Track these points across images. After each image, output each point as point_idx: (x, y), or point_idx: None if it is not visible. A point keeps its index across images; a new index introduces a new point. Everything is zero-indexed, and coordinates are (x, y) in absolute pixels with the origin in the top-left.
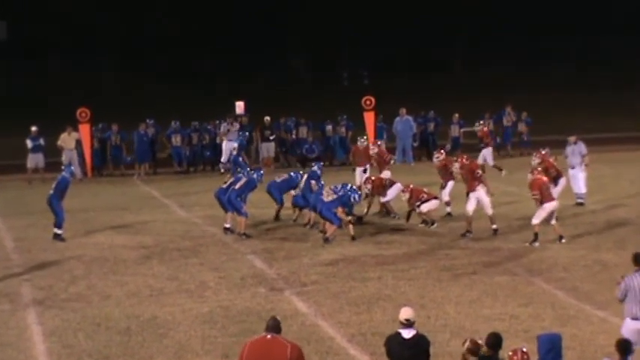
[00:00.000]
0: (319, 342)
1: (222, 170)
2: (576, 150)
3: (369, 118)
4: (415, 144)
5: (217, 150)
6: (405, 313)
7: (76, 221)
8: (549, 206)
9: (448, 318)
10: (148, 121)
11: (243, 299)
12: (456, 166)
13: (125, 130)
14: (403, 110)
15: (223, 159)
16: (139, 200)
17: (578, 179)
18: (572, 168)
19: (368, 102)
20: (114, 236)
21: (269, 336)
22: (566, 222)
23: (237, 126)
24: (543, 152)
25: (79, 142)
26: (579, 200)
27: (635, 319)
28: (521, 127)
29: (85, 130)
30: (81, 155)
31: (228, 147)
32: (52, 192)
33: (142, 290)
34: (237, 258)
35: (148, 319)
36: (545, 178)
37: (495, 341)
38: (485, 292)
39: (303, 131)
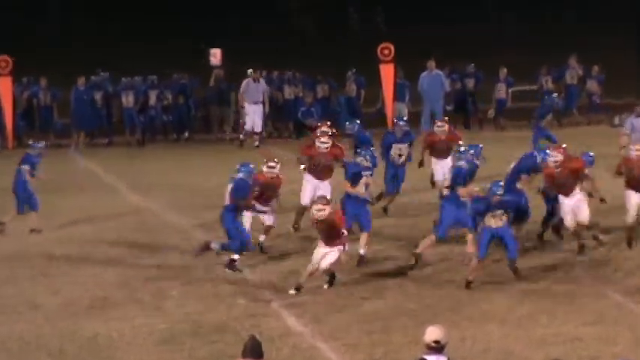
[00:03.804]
0: None
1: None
2: None
3: (387, 72)
4: (449, 107)
5: (182, 113)
6: (433, 333)
7: None
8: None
9: (490, 340)
10: (102, 73)
11: (216, 313)
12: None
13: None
14: (432, 63)
15: (247, 126)
16: (76, 180)
17: None
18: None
19: (386, 51)
20: (43, 228)
21: None
22: None
23: (263, 84)
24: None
25: None
26: None
27: None
28: (592, 85)
29: (4, 85)
30: None
31: (252, 111)
32: None
33: (80, 300)
34: (208, 258)
35: (87, 338)
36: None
37: None
38: (540, 306)
39: (298, 90)
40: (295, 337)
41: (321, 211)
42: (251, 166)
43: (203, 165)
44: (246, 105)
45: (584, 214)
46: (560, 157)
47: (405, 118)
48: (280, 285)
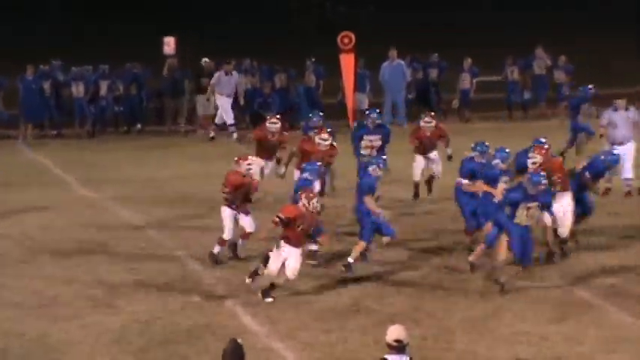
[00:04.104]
0: None
1: (211, 135)
2: (630, 118)
3: (347, 62)
4: (410, 96)
5: (134, 104)
6: (395, 332)
7: None
8: None
9: (453, 339)
10: (53, 62)
11: (169, 312)
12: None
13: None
14: (393, 52)
15: (217, 120)
16: (24, 173)
17: (626, 159)
18: (621, 144)
19: (346, 40)
20: None
21: None
22: (620, 213)
23: (236, 76)
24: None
25: None
26: (628, 188)
27: None
28: (559, 75)
29: None
30: None
31: (224, 103)
32: None
33: (28, 298)
34: (162, 255)
35: (34, 339)
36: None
37: None
38: (504, 304)
39: (255, 80)
40: (250, 336)
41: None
42: (318, 164)
43: (156, 158)
44: (217, 97)
45: (565, 227)
46: (539, 159)
47: (377, 111)
48: (235, 283)
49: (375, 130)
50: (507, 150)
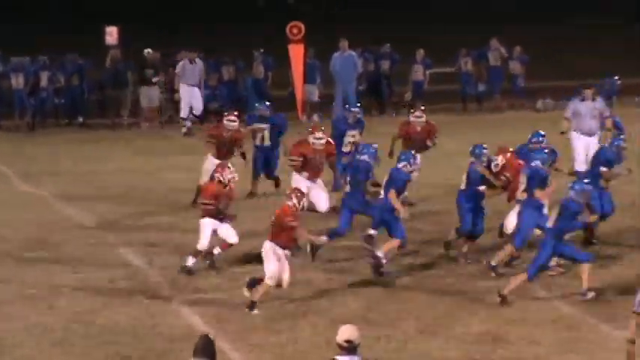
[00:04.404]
0: None
1: (184, 130)
2: (596, 109)
3: (297, 52)
4: (361, 87)
5: (75, 96)
6: (346, 332)
7: None
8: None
9: (406, 339)
10: None
11: (113, 312)
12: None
13: None
14: (344, 43)
15: (182, 113)
16: None
17: (589, 151)
18: (590, 135)
19: (295, 30)
20: None
21: None
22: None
23: (200, 65)
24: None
25: None
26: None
27: None
28: (515, 66)
29: None
30: None
31: (188, 94)
32: None
33: None
34: (105, 252)
35: None
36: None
37: None
38: (459, 303)
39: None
40: (198, 337)
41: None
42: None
43: (98, 152)
44: (181, 87)
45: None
46: (500, 161)
47: (359, 107)
48: (182, 282)
49: (355, 125)
50: (546, 151)
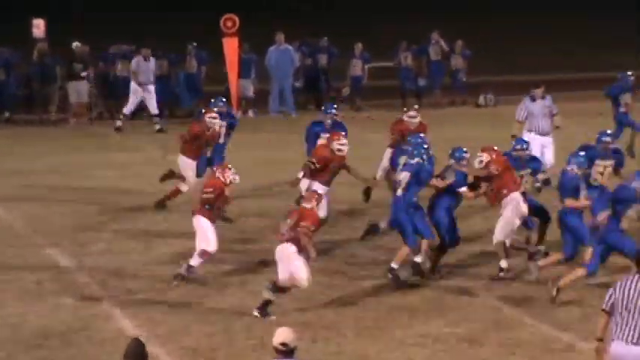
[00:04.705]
0: None
1: (117, 125)
2: (546, 107)
3: (231, 46)
4: (297, 84)
5: (2, 90)
6: (281, 335)
7: None
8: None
9: (343, 342)
10: None
11: (39, 314)
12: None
13: None
14: (280, 36)
15: (126, 109)
16: None
17: (545, 151)
18: (544, 135)
19: (229, 23)
20: None
21: None
22: None
23: (153, 62)
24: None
25: None
26: (538, 184)
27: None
28: (457, 61)
29: None
30: None
31: (139, 93)
32: None
33: None
34: (32, 253)
35: None
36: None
37: None
38: (399, 304)
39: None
40: (128, 340)
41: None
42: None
43: (25, 148)
44: (133, 85)
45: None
46: (485, 158)
47: (335, 106)
48: (112, 283)
49: (334, 128)
50: (582, 153)
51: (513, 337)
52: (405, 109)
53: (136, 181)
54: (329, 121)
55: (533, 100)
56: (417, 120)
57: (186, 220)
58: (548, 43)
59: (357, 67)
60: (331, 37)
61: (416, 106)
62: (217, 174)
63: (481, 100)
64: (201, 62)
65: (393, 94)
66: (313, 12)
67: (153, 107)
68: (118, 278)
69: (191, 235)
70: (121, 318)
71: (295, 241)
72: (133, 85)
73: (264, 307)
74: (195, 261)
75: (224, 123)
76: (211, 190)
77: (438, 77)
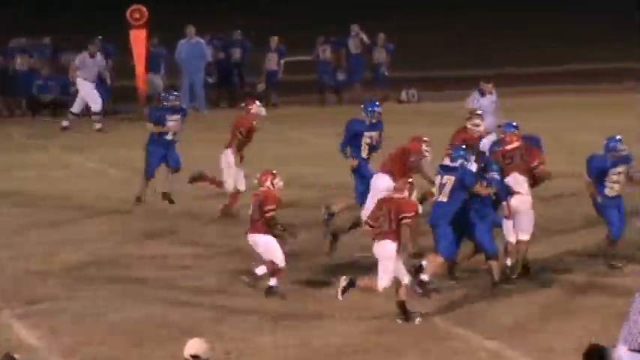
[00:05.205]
0: None
1: (64, 125)
2: (494, 103)
3: (138, 38)
4: (210, 80)
5: None
6: (193, 347)
7: None
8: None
9: (259, 352)
10: None
11: None
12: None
13: None
14: (191, 29)
15: (74, 108)
16: None
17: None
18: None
19: (136, 15)
20: None
21: None
22: None
23: (100, 58)
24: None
25: None
26: None
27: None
28: (380, 55)
29: None
30: None
31: (88, 89)
32: None
33: None
34: None
35: None
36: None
37: None
38: (319, 311)
39: (33, 60)
40: (28, 352)
41: None
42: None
43: None
44: (79, 83)
45: (524, 228)
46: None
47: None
48: (12, 293)
49: (376, 125)
50: (618, 137)
51: (437, 345)
52: (362, 105)
53: (39, 183)
54: (374, 120)
55: (482, 94)
56: (482, 128)
57: (92, 226)
58: (524, 39)
59: (272, 62)
60: (294, 30)
61: (479, 112)
62: (266, 181)
63: (403, 95)
64: (107, 55)
65: (310, 90)
66: (271, 3)
67: (98, 104)
68: (20, 286)
69: (97, 239)
70: (20, 329)
71: (395, 236)
72: (79, 83)
73: (405, 311)
74: (273, 282)
75: (178, 117)
76: (274, 206)
77: (358, 71)
